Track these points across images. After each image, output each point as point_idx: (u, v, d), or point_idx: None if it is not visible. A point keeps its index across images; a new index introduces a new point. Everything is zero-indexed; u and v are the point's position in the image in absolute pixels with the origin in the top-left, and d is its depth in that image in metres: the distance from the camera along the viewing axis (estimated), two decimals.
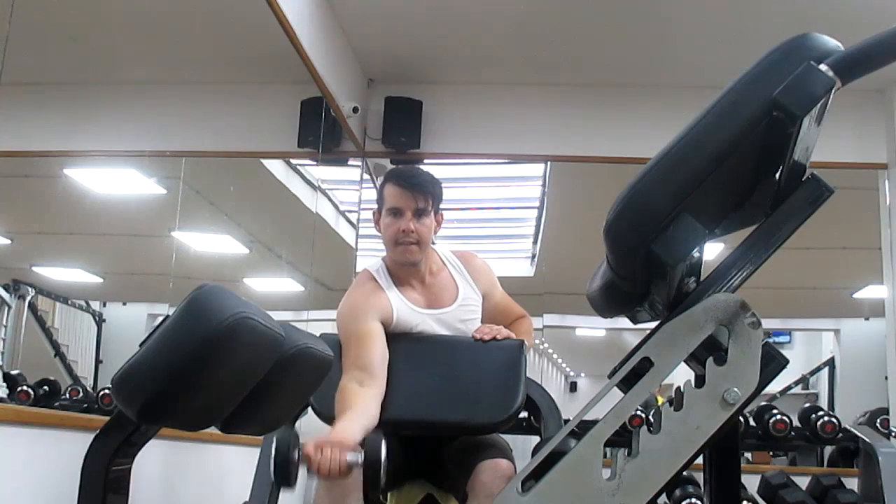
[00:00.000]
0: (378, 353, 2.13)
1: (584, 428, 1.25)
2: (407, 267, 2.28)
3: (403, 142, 4.84)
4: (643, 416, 4.69)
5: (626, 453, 1.23)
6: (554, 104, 4.94)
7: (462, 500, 2.08)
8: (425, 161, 5.09)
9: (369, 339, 2.14)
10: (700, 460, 1.37)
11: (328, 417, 2.16)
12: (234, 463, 3.51)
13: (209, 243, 5.84)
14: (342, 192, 5.79)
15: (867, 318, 7.72)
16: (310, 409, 2.18)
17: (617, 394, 1.27)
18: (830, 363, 8.58)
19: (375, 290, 2.23)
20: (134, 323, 6.84)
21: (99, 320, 6.97)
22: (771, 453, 6.80)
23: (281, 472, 1.75)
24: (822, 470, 5.22)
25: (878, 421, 4.96)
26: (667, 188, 1.18)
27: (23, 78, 4.13)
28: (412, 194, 2.22)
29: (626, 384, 1.25)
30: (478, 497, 1.99)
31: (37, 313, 6.22)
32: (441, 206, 2.31)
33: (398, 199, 2.23)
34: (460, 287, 2.35)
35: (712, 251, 1.33)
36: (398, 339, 2.23)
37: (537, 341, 8.61)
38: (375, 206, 2.32)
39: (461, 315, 2.33)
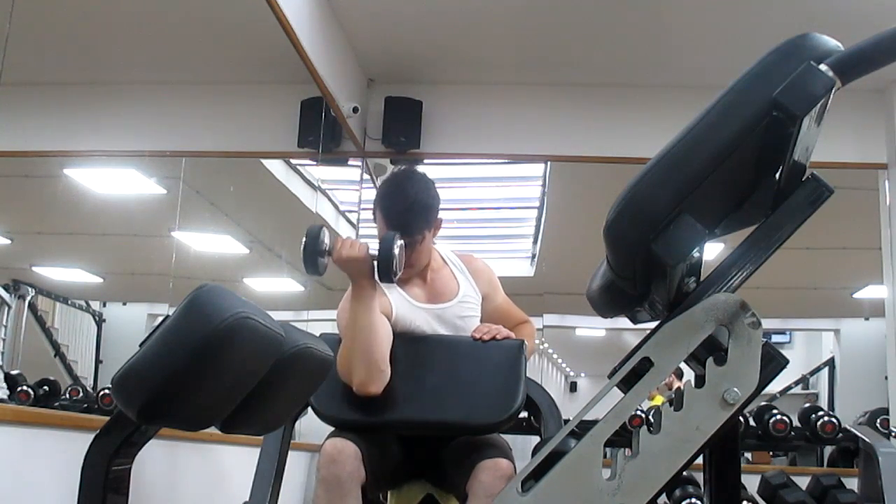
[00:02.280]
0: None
1: (584, 428, 1.25)
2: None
3: (403, 142, 4.84)
4: (643, 416, 4.70)
5: (626, 453, 1.23)
6: (554, 104, 4.94)
7: (462, 500, 2.08)
8: (425, 161, 5.09)
9: None
10: (700, 460, 1.36)
11: (328, 417, 2.17)
12: (234, 463, 3.51)
13: (209, 243, 5.85)
14: (342, 192, 5.79)
15: (867, 318, 7.72)
16: (310, 409, 2.18)
17: (617, 394, 1.28)
18: (830, 363, 8.59)
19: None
20: (134, 323, 6.85)
21: (99, 320, 6.98)
22: (771, 453, 6.81)
23: (310, 260, 2.03)
24: (822, 470, 5.22)
25: (878, 421, 4.96)
26: (667, 188, 1.18)
27: (23, 78, 4.14)
28: (399, 234, 2.17)
29: (626, 384, 1.25)
30: (478, 497, 1.99)
31: (37, 313, 6.23)
32: (438, 213, 2.28)
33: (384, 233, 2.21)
34: (461, 284, 2.37)
35: (712, 251, 1.33)
36: (398, 339, 2.24)
37: (537, 341, 8.60)
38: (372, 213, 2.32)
39: (460, 311, 2.34)
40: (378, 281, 2.13)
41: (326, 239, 2.08)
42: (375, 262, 2.06)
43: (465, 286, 2.37)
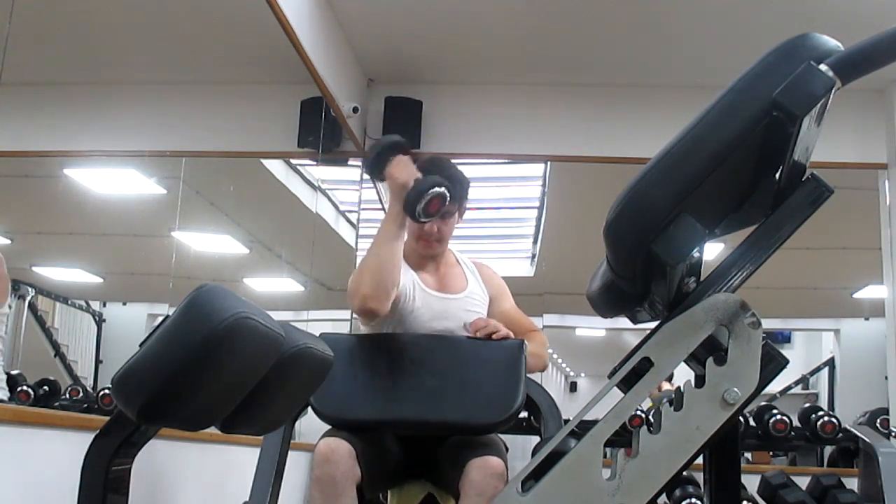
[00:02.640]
0: None
1: (584, 428, 1.25)
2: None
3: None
4: (643, 416, 4.70)
5: (626, 453, 1.23)
6: (554, 104, 4.94)
7: (457, 499, 2.08)
8: None
9: None
10: (700, 460, 1.36)
11: (328, 417, 2.17)
12: (234, 463, 3.51)
13: (209, 243, 5.84)
14: (342, 192, 5.79)
15: (867, 318, 7.73)
16: (310, 409, 2.18)
17: (617, 394, 1.28)
18: (830, 363, 8.59)
19: None
20: (134, 323, 6.85)
21: (99, 320, 6.98)
22: (771, 453, 6.81)
23: (374, 161, 2.17)
24: (822, 470, 5.22)
25: (878, 421, 4.96)
26: (667, 188, 1.18)
27: (23, 78, 4.13)
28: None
29: (626, 384, 1.25)
30: (469, 496, 1.99)
31: (37, 313, 6.22)
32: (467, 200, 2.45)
33: None
34: (469, 281, 2.45)
35: (712, 251, 1.33)
36: (398, 339, 2.24)
37: None
38: None
39: (466, 306, 2.39)
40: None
41: (394, 150, 2.19)
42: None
43: (474, 284, 2.46)
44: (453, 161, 2.53)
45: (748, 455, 6.40)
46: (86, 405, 5.49)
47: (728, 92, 1.20)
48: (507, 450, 2.25)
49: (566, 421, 2.16)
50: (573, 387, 12.81)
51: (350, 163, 5.16)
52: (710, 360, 1.22)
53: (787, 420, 5.20)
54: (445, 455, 2.20)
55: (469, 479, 2.01)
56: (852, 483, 4.34)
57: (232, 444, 3.43)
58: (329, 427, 2.17)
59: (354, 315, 2.25)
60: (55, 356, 6.39)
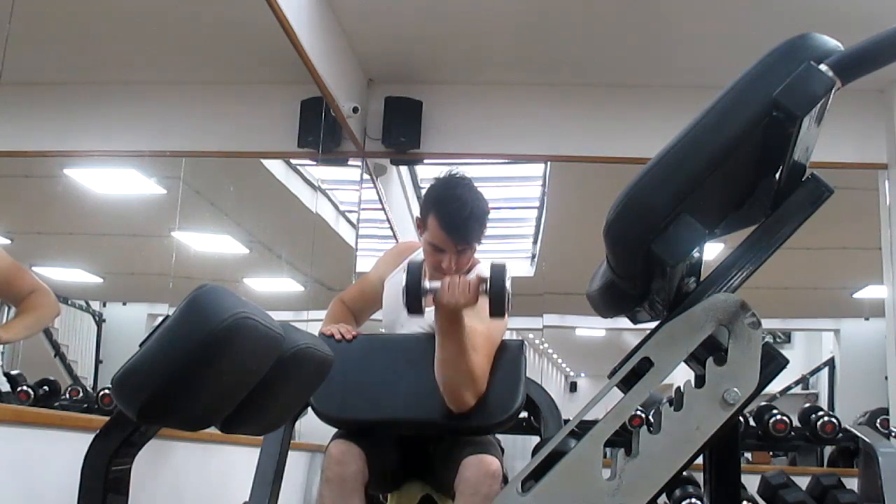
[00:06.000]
0: (358, 298, 2.51)
1: (584, 428, 1.25)
2: None
3: (403, 142, 4.84)
4: (643, 416, 4.70)
5: (626, 453, 1.23)
6: (554, 104, 4.94)
7: (453, 498, 2.08)
8: (425, 161, 5.08)
9: (362, 285, 2.54)
10: (700, 460, 1.36)
11: (328, 417, 2.17)
12: (234, 463, 3.51)
13: (209, 243, 5.84)
14: (342, 192, 5.79)
15: (867, 318, 7.72)
16: (310, 409, 2.19)
17: (617, 394, 1.28)
18: (830, 363, 8.59)
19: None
20: (134, 323, 6.85)
21: (99, 320, 6.97)
22: (771, 453, 6.80)
23: (412, 301, 1.96)
24: (822, 470, 5.22)
25: (878, 421, 4.96)
26: (667, 188, 1.18)
27: (23, 78, 4.13)
28: (453, 242, 2.18)
29: (626, 384, 1.25)
30: (464, 495, 2.00)
31: None
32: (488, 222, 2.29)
33: (439, 239, 2.19)
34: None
35: (712, 251, 1.33)
36: (398, 339, 2.24)
37: (537, 341, 8.62)
38: (419, 213, 2.29)
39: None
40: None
41: (427, 279, 2.02)
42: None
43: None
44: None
45: (748, 455, 6.40)
46: (86, 405, 5.49)
47: (728, 92, 1.20)
48: (502, 451, 2.24)
49: (566, 421, 2.16)
50: (573, 387, 12.82)
51: (350, 163, 5.15)
52: (710, 360, 1.22)
53: (787, 420, 5.20)
54: (440, 455, 2.21)
55: (464, 478, 2.01)
56: (852, 483, 4.34)
57: (232, 444, 3.43)
58: (332, 427, 2.18)
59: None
60: (55, 356, 6.38)
